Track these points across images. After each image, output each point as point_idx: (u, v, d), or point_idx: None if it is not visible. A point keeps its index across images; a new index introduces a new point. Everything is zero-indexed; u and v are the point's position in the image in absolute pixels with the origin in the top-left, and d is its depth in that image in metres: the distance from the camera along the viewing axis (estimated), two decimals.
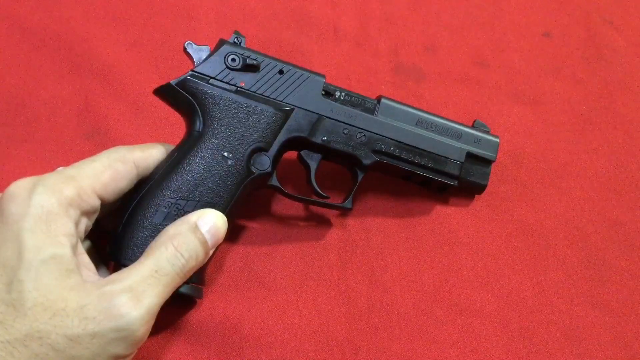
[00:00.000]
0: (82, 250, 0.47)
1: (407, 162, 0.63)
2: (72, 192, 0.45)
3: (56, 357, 0.40)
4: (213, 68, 0.56)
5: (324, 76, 0.60)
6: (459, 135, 0.64)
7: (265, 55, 0.58)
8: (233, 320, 0.59)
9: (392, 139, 0.62)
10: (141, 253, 0.48)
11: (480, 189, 0.68)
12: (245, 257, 0.63)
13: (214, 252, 0.52)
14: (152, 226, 0.51)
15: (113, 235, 0.51)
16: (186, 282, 0.50)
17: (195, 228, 0.49)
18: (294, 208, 0.66)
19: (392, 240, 0.66)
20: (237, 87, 0.56)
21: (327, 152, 0.60)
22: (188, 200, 0.52)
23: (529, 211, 0.70)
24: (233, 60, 0.56)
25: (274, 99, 0.57)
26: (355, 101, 0.61)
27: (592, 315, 0.65)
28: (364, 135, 0.61)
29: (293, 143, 0.59)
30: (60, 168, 0.49)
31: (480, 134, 0.66)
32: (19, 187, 0.44)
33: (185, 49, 0.57)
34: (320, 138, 0.59)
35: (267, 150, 0.57)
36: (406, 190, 0.69)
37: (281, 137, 0.57)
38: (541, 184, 0.72)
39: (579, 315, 0.65)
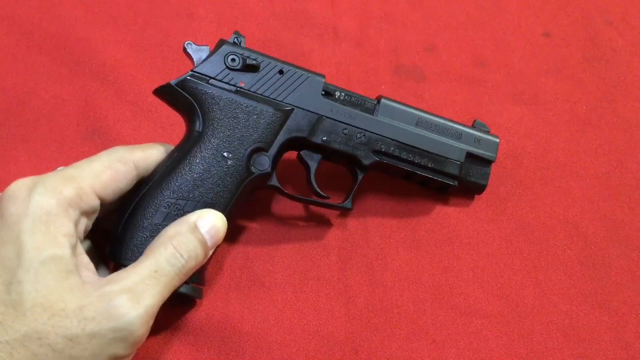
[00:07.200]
0: (81, 250, 0.47)
1: (407, 162, 0.63)
2: (71, 192, 0.45)
3: (55, 358, 0.40)
4: (213, 68, 0.56)
5: (324, 76, 0.60)
6: (458, 136, 0.64)
7: (265, 55, 0.58)
8: (233, 320, 0.59)
9: (392, 139, 0.62)
10: (141, 253, 0.48)
11: (480, 189, 0.68)
12: (245, 257, 0.63)
13: (214, 252, 0.52)
14: (152, 226, 0.51)
15: (113, 236, 0.51)
16: (186, 282, 0.50)
17: (195, 228, 0.49)
18: (294, 208, 0.66)
19: (392, 240, 0.66)
20: (237, 87, 0.56)
21: (327, 152, 0.60)
22: (188, 200, 0.52)
23: (529, 211, 0.70)
24: (233, 60, 0.56)
25: (274, 99, 0.57)
26: (355, 101, 0.61)
27: (592, 315, 0.65)
28: (364, 135, 0.61)
29: (293, 143, 0.59)
30: (60, 168, 0.49)
31: (480, 134, 0.66)
32: (19, 187, 0.44)
33: (185, 49, 0.57)
34: (320, 138, 0.59)
35: (267, 151, 0.56)
36: (406, 190, 0.69)
37: (281, 137, 0.57)
38: (541, 184, 0.72)
39: (579, 315, 0.65)
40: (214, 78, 0.56)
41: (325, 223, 0.66)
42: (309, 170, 0.61)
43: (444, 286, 0.64)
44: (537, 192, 0.71)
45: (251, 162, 0.56)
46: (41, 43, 0.72)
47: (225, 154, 0.54)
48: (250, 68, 0.57)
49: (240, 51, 0.57)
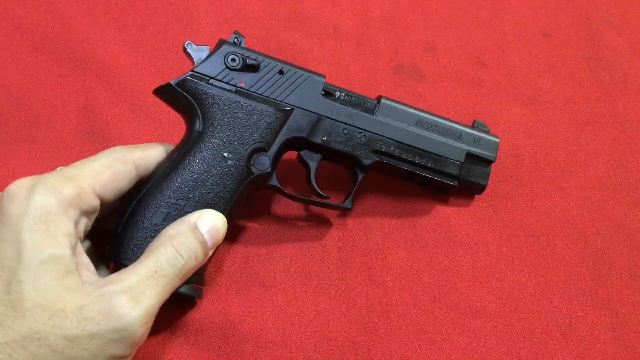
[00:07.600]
0: (81, 250, 0.47)
1: (407, 162, 0.63)
2: (71, 192, 0.45)
3: (55, 358, 0.40)
4: (213, 68, 0.56)
5: (324, 76, 0.60)
6: (459, 135, 0.64)
7: (265, 55, 0.58)
8: (233, 320, 0.59)
9: (392, 139, 0.62)
10: (141, 253, 0.48)
11: (480, 189, 0.68)
12: (245, 257, 0.63)
13: (214, 253, 0.52)
14: (152, 226, 0.51)
15: (113, 236, 0.51)
16: (186, 283, 0.50)
17: (195, 228, 0.49)
18: (294, 208, 0.66)
19: (392, 240, 0.66)
20: (237, 87, 0.56)
21: (327, 152, 0.60)
22: (188, 201, 0.52)
23: (529, 211, 0.70)
24: (233, 60, 0.56)
25: (274, 99, 0.57)
26: (355, 101, 0.61)
27: (592, 315, 0.65)
28: (364, 135, 0.61)
29: (293, 143, 0.59)
30: (60, 168, 0.49)
31: (480, 134, 0.66)
32: (19, 186, 0.44)
33: (185, 49, 0.57)
34: (320, 138, 0.59)
35: (267, 151, 0.56)
36: (406, 190, 0.69)
37: (281, 137, 0.57)
38: (541, 184, 0.72)
39: (579, 315, 0.65)
40: (214, 78, 0.56)
41: (325, 223, 0.66)
42: (309, 170, 0.61)
43: (444, 286, 0.64)
44: (537, 192, 0.71)
45: (251, 162, 0.56)
46: (41, 43, 0.72)
47: (225, 154, 0.54)
48: (250, 68, 0.57)
49: (240, 51, 0.57)
